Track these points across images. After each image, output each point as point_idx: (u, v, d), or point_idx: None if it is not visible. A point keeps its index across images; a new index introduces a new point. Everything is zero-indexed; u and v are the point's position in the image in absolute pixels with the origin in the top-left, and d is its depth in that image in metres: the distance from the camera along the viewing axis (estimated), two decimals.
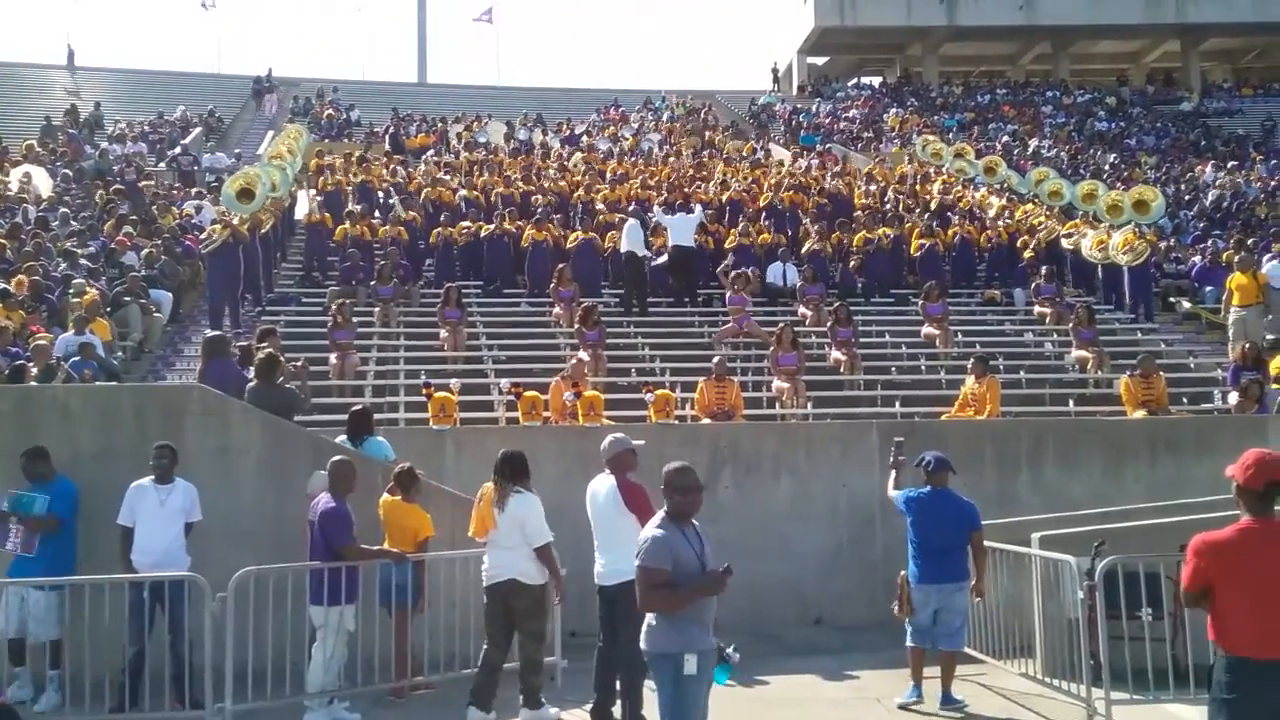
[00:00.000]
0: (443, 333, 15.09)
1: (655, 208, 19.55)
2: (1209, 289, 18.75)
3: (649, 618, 5.18)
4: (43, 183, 21.09)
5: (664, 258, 17.83)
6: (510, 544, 7.35)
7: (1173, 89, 46.05)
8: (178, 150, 27.99)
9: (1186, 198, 27.84)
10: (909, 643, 7.96)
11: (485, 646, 7.56)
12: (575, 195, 20.92)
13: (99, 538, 8.05)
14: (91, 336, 12.61)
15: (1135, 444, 11.71)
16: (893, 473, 8.46)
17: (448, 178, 22.97)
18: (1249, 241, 20.24)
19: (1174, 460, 11.44)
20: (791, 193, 21.67)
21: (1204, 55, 49.72)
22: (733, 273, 17.11)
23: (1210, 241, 22.05)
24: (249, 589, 7.30)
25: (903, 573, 8.02)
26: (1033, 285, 18.32)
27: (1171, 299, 19.32)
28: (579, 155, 27.29)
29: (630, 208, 19.72)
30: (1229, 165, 31.44)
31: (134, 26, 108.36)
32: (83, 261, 15.71)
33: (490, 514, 7.40)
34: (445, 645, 8.33)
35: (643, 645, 5.22)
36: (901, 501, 8.06)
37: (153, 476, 7.95)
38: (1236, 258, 17.38)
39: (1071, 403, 14.32)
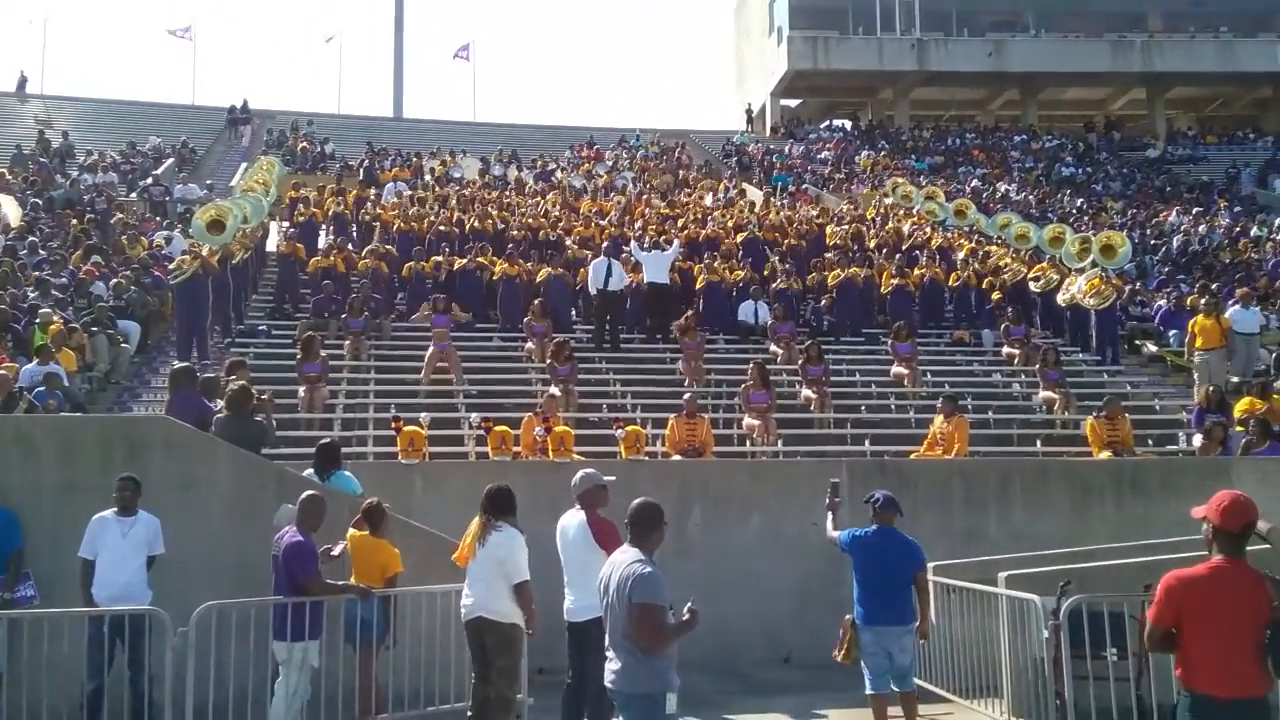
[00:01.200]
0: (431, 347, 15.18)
1: (631, 243, 19.62)
2: (1174, 332, 18.94)
3: (621, 657, 5.15)
4: (12, 211, 20.90)
5: (625, 280, 17.84)
6: (484, 578, 7.26)
7: (1119, 130, 46.79)
8: (149, 181, 27.82)
9: (1152, 243, 28.21)
10: (869, 690, 7.66)
11: (474, 681, 7.46)
12: (542, 233, 20.92)
13: (60, 570, 7.93)
14: (56, 367, 12.47)
15: (1101, 484, 11.80)
16: (829, 515, 8.18)
17: (418, 209, 22.92)
18: (1213, 286, 20.51)
19: (1139, 501, 11.53)
20: (765, 231, 21.83)
21: (1169, 103, 50.59)
22: (688, 314, 17.00)
23: (1175, 286, 22.36)
24: (211, 623, 7.22)
25: (848, 616, 7.77)
26: (1001, 326, 18.48)
27: (1137, 342, 19.53)
28: (554, 192, 27.34)
29: (603, 245, 19.76)
30: (1194, 211, 31.91)
31: (109, 56, 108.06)
32: (53, 291, 15.57)
33: (473, 546, 7.34)
34: (410, 682, 8.24)
35: (616, 686, 5.18)
36: (846, 541, 7.75)
37: (115, 509, 7.85)
38: (1201, 302, 17.62)
39: (1039, 443, 14.44)
